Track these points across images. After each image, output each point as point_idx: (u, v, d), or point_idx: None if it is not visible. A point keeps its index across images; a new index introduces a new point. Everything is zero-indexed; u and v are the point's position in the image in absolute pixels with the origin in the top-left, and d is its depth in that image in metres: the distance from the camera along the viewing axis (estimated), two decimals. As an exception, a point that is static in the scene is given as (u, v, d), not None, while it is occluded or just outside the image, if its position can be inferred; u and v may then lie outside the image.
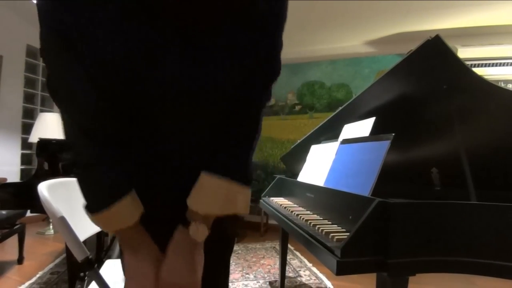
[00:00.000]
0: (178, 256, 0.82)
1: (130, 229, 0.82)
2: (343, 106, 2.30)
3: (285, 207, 2.09)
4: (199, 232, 0.82)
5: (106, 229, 0.86)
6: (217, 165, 0.86)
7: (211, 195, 0.83)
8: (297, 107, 6.23)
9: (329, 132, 2.49)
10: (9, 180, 4.50)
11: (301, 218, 1.69)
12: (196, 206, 0.83)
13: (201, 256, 0.85)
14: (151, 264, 0.82)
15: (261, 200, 2.70)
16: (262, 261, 4.10)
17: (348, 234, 1.24)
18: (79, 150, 0.82)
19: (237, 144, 0.91)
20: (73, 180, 1.66)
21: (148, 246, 0.85)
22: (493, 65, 4.92)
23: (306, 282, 3.36)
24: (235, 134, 0.91)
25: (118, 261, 1.89)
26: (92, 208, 0.83)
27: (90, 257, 1.30)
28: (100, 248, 2.95)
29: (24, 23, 5.43)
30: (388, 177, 1.60)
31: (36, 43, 5.60)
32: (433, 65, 1.71)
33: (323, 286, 3.28)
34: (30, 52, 5.67)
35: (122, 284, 1.54)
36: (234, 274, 3.60)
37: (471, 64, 4.85)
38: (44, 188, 1.29)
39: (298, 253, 4.37)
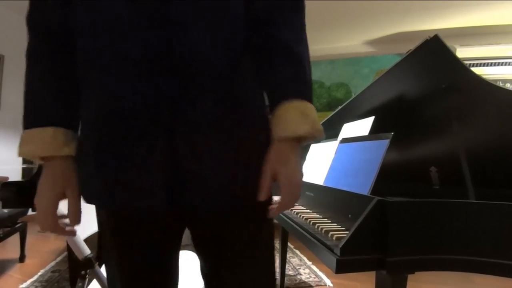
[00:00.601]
0: (288, 150, 0.85)
1: (54, 162, 0.84)
2: (342, 106, 2.30)
3: (285, 206, 2.08)
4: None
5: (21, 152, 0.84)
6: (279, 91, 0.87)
7: (295, 118, 0.82)
8: (297, 107, 6.21)
9: (328, 131, 2.48)
10: (11, 179, 4.50)
11: (301, 217, 1.69)
12: (281, 131, 0.84)
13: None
14: (57, 182, 0.84)
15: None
16: (262, 259, 4.09)
17: (347, 232, 1.24)
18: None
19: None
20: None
21: (62, 167, 0.84)
22: (491, 64, 4.92)
23: (306, 280, 3.36)
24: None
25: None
26: (23, 123, 0.84)
27: (91, 255, 1.30)
28: (101, 247, 2.95)
29: (25, 23, 5.39)
30: (387, 176, 1.60)
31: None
32: (432, 65, 1.72)
33: (322, 284, 3.28)
34: (31, 52, 5.64)
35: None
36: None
37: (470, 64, 4.86)
38: (45, 186, 1.29)
39: (297, 251, 4.36)
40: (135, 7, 0.74)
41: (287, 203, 0.86)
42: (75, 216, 0.85)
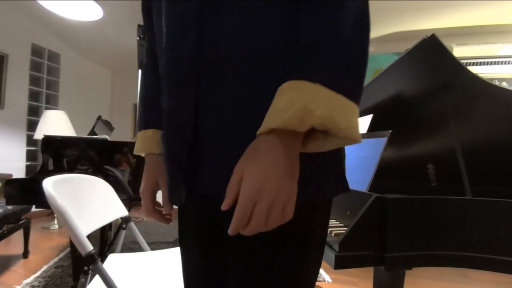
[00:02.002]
0: (274, 153, 0.60)
1: (148, 157, 0.98)
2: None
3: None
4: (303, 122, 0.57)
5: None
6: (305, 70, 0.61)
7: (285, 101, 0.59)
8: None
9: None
10: (14, 176, 4.50)
11: (300, 213, 1.69)
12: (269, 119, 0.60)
13: (295, 164, 0.62)
14: (151, 175, 0.96)
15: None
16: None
17: (346, 229, 1.24)
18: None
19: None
20: (77, 176, 1.67)
21: (154, 163, 0.97)
22: (487, 63, 4.92)
23: (305, 276, 3.35)
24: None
25: (121, 255, 1.90)
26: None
27: (94, 251, 1.30)
28: (103, 243, 2.95)
29: (29, 23, 5.42)
30: (385, 173, 1.60)
31: (41, 42, 5.63)
32: (429, 64, 1.71)
33: (321, 279, 3.28)
34: (35, 51, 5.66)
35: (125, 278, 1.55)
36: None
37: (466, 63, 4.85)
38: (49, 184, 1.29)
39: (297, 247, 4.35)
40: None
41: (239, 217, 0.59)
42: (166, 203, 0.91)
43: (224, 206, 0.62)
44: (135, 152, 1.00)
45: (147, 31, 1.01)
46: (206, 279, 0.90)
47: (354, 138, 0.59)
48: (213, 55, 0.71)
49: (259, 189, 0.58)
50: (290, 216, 0.61)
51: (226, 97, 0.70)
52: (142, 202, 0.97)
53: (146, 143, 0.96)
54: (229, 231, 0.61)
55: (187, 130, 0.74)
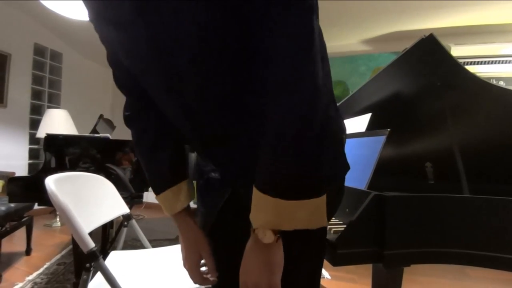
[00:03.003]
0: (252, 256, 0.75)
1: (177, 216, 0.99)
2: (340, 103, 2.30)
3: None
4: (266, 237, 0.70)
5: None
6: (256, 176, 0.72)
7: (260, 209, 0.70)
8: (296, 104, 6.20)
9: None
10: (17, 174, 4.50)
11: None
12: (251, 219, 0.73)
13: (279, 257, 0.74)
14: (193, 249, 0.97)
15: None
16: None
17: (345, 226, 1.24)
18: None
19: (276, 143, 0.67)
20: (79, 174, 1.67)
21: (193, 234, 0.98)
22: (485, 63, 4.91)
23: (304, 273, 3.35)
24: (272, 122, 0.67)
25: (123, 252, 1.90)
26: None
27: (95, 248, 1.30)
28: (105, 240, 2.95)
29: (31, 22, 5.42)
30: (383, 171, 1.60)
31: (43, 42, 5.63)
32: (427, 63, 1.71)
33: (321, 276, 3.27)
34: (37, 50, 5.66)
35: (127, 275, 1.55)
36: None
37: (464, 62, 4.84)
38: (51, 181, 1.29)
39: (296, 245, 4.35)
40: None
41: None
42: (213, 271, 0.96)
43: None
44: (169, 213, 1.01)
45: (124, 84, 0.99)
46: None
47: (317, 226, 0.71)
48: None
49: None
50: None
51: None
52: (189, 275, 0.99)
53: (172, 203, 0.98)
54: None
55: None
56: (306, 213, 0.68)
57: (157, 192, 0.98)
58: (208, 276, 0.97)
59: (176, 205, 0.97)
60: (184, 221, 0.98)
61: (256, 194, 0.70)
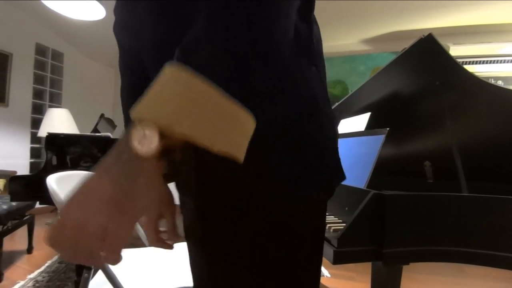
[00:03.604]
0: (101, 173, 0.49)
1: None
2: (339, 102, 2.30)
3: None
4: (145, 139, 0.44)
5: None
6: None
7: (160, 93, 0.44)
8: (295, 103, 6.21)
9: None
10: (19, 173, 4.50)
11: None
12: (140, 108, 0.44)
13: (148, 189, 0.50)
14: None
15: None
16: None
17: (344, 224, 1.24)
18: None
19: None
20: (81, 173, 1.66)
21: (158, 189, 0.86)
22: (483, 62, 4.92)
23: (304, 271, 3.36)
24: None
25: (124, 250, 1.89)
26: None
27: (97, 247, 1.30)
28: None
29: (33, 22, 5.42)
30: (383, 170, 1.60)
31: (44, 41, 5.62)
32: (426, 63, 1.71)
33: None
34: (38, 50, 5.65)
35: (127, 273, 1.55)
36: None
37: (463, 62, 4.85)
38: (52, 180, 1.29)
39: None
40: None
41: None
42: (172, 233, 0.82)
43: None
44: None
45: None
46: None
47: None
48: None
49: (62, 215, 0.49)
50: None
51: None
52: (147, 233, 0.84)
53: None
54: None
55: None
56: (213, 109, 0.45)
57: None
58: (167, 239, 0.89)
59: None
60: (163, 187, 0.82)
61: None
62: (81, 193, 0.49)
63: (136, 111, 0.43)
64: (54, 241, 0.48)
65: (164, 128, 0.43)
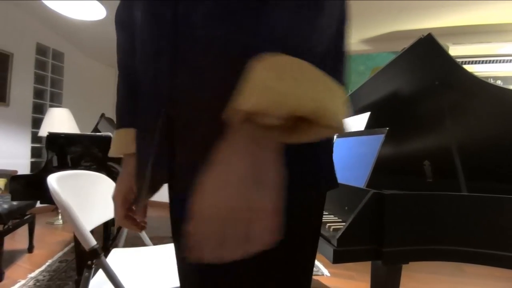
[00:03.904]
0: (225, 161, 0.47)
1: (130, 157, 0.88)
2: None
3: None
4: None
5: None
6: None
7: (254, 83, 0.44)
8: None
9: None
10: (19, 173, 4.50)
11: (299, 209, 1.69)
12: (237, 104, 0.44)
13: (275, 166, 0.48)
14: (127, 182, 0.88)
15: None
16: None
17: (344, 224, 1.24)
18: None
19: None
20: (81, 172, 1.66)
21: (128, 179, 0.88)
22: (483, 62, 4.91)
23: (304, 270, 3.36)
24: None
25: (124, 249, 1.90)
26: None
27: (97, 246, 1.30)
28: (107, 238, 2.95)
29: (33, 22, 5.41)
30: (382, 170, 1.60)
31: (45, 41, 5.62)
32: (425, 62, 1.71)
33: (320, 274, 3.28)
34: (39, 50, 5.65)
35: (128, 272, 1.55)
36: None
37: (462, 61, 4.85)
38: (53, 180, 1.29)
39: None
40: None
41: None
42: (140, 210, 0.88)
43: None
44: (110, 155, 0.93)
45: (121, 43, 0.95)
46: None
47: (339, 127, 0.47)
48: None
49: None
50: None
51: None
52: (114, 208, 0.90)
53: (121, 144, 0.89)
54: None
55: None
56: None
57: (122, 125, 0.91)
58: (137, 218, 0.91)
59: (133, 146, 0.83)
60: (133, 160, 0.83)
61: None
62: (212, 182, 0.47)
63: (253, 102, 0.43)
64: (197, 245, 0.47)
65: (292, 110, 0.43)
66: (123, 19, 0.92)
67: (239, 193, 0.45)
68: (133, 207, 0.91)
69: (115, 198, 0.89)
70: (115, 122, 0.94)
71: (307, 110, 0.43)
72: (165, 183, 0.71)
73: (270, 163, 0.47)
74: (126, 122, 0.89)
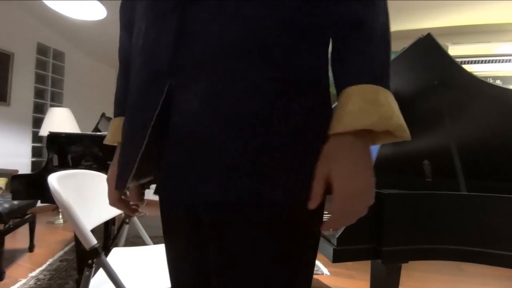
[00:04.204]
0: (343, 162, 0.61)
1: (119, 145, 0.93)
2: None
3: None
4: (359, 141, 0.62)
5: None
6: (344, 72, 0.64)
7: (354, 104, 0.60)
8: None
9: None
10: (20, 172, 4.50)
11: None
12: (340, 122, 0.61)
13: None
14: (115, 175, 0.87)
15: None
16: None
17: (343, 223, 1.24)
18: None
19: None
20: (82, 171, 1.66)
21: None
22: (482, 62, 4.91)
23: (304, 269, 3.36)
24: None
25: (125, 249, 1.90)
26: None
27: (98, 245, 1.30)
28: (107, 237, 2.95)
29: (34, 22, 5.41)
30: (382, 169, 1.60)
31: (46, 41, 5.62)
32: (425, 62, 1.71)
33: (320, 273, 3.28)
34: (40, 50, 5.65)
35: (128, 271, 1.55)
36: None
37: (462, 61, 4.85)
38: (54, 179, 1.29)
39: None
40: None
41: (338, 219, 0.66)
42: (133, 193, 0.93)
43: (313, 206, 0.63)
44: (105, 142, 0.98)
45: (124, 43, 0.96)
46: (194, 277, 0.83)
47: (407, 137, 0.65)
48: (191, 54, 0.65)
49: (353, 196, 0.63)
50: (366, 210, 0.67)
51: (203, 99, 0.63)
52: (108, 190, 0.93)
53: (116, 133, 0.92)
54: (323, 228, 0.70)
55: (146, 127, 0.68)
56: (390, 104, 0.64)
57: (118, 114, 0.97)
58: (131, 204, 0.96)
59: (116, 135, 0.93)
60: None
61: (343, 92, 0.63)
62: (356, 166, 0.63)
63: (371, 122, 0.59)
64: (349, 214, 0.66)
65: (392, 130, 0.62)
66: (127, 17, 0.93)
67: (371, 176, 0.65)
68: (127, 192, 0.95)
69: (108, 181, 0.92)
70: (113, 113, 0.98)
71: (394, 126, 0.61)
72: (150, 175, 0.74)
73: (370, 157, 0.64)
74: (122, 111, 0.93)
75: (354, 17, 0.64)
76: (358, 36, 0.64)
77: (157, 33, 0.70)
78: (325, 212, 0.73)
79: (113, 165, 0.92)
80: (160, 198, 0.88)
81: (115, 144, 0.96)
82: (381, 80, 0.64)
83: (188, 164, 0.65)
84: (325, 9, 0.67)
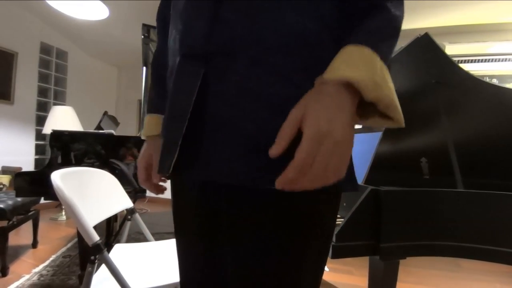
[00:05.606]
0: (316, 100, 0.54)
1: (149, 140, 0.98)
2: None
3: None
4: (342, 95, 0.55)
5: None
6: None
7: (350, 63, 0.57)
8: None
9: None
10: (24, 169, 4.50)
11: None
12: (331, 71, 0.57)
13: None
14: (149, 150, 0.98)
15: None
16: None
17: (342, 220, 1.24)
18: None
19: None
20: (85, 169, 1.66)
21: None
22: (479, 61, 4.90)
23: (303, 265, 3.36)
24: None
25: (127, 245, 1.90)
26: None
27: (100, 241, 1.30)
28: (109, 233, 2.95)
29: (38, 22, 5.41)
30: (380, 167, 1.60)
31: (49, 40, 5.62)
32: (422, 61, 1.71)
33: (318, 268, 3.28)
34: (43, 49, 5.65)
35: (130, 267, 1.55)
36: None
37: (458, 60, 4.84)
38: (57, 176, 1.29)
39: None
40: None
41: (301, 162, 0.50)
42: (154, 174, 0.98)
43: (277, 151, 0.52)
44: (143, 135, 1.01)
45: (159, 40, 1.04)
46: (205, 272, 0.82)
47: (400, 120, 0.62)
48: (225, 40, 0.65)
49: (326, 132, 0.50)
50: (343, 173, 0.54)
51: (237, 84, 0.64)
52: (137, 170, 1.01)
53: (151, 128, 0.96)
54: (278, 184, 0.52)
55: (186, 112, 0.67)
56: (384, 74, 0.60)
57: (149, 111, 1.01)
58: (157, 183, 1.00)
59: (151, 129, 0.98)
60: (155, 139, 0.96)
61: (348, 49, 0.58)
62: (329, 107, 0.54)
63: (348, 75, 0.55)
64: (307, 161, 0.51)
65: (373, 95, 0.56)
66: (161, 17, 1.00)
67: (350, 132, 0.54)
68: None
69: (139, 162, 1.00)
70: (149, 100, 1.04)
71: (384, 98, 0.57)
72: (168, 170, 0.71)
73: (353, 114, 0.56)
74: (152, 109, 0.99)
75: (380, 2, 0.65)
76: (375, 14, 0.64)
77: (190, 17, 0.71)
78: (338, 216, 0.73)
79: (145, 148, 1.00)
80: (175, 184, 0.90)
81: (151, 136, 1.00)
82: (385, 59, 0.61)
83: (216, 145, 0.64)
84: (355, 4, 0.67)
